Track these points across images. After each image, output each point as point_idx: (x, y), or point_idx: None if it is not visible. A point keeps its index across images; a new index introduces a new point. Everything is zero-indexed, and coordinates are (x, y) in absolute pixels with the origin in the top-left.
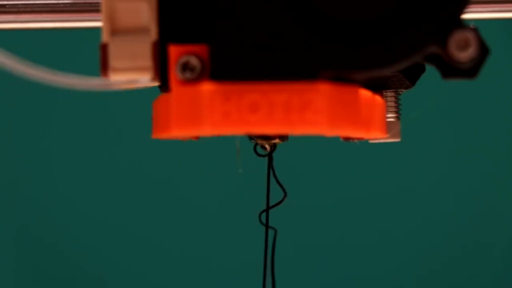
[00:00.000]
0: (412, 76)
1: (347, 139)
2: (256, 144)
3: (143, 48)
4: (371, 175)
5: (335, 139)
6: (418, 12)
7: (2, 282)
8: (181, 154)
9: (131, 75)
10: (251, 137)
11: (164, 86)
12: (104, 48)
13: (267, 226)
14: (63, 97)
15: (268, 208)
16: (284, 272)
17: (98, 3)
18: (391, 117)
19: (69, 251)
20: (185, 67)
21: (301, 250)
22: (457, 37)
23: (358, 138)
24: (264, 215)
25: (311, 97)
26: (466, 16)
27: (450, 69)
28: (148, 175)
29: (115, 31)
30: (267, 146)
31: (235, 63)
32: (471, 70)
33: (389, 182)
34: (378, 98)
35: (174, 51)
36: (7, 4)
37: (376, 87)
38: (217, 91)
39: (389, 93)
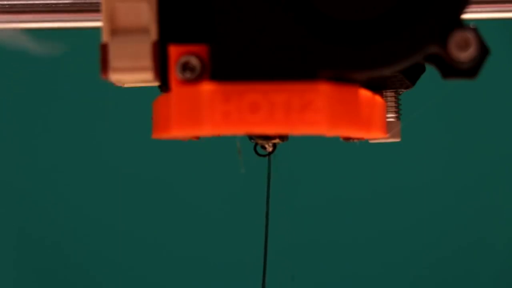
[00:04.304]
0: (412, 76)
1: (347, 139)
2: (256, 144)
3: (143, 48)
4: (371, 175)
5: (335, 139)
6: (418, 12)
7: (2, 283)
8: (181, 154)
9: (131, 75)
10: (251, 137)
11: (164, 86)
12: (104, 48)
13: (266, 226)
14: (63, 97)
15: (268, 208)
16: (284, 272)
17: (98, 3)
18: (391, 117)
19: (69, 252)
20: (185, 67)
21: (301, 250)
22: (457, 37)
23: (358, 138)
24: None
25: (311, 97)
26: (466, 16)
27: (450, 69)
28: (147, 175)
29: (115, 31)
30: (267, 146)
31: (235, 63)
32: (471, 70)
33: (389, 182)
34: (378, 98)
35: (174, 51)
36: (7, 4)
37: (376, 87)
38: (217, 91)
39: (389, 93)
